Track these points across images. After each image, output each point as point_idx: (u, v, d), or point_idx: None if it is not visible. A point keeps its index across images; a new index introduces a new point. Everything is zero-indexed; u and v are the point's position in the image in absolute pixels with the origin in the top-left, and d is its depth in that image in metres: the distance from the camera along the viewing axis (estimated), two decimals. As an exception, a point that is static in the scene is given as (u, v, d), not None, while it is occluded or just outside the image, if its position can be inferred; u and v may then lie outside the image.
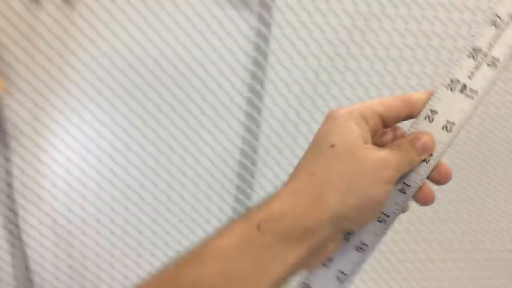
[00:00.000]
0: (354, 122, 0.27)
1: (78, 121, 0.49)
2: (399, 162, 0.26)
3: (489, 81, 0.28)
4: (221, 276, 0.22)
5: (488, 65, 0.28)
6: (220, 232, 0.23)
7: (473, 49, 0.28)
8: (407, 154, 0.27)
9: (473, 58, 0.28)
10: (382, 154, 0.26)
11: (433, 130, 0.28)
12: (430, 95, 0.29)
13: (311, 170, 0.26)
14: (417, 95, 0.29)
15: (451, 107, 0.28)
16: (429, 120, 0.29)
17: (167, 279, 0.22)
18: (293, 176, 0.27)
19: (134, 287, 0.22)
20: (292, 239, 0.24)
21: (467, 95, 0.28)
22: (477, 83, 0.28)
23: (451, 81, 0.28)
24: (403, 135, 0.29)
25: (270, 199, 0.25)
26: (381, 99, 0.28)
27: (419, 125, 0.29)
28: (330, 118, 0.28)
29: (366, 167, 0.25)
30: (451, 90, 0.28)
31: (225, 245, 0.22)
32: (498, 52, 0.28)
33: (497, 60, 0.28)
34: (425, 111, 0.29)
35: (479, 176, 0.65)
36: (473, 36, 0.28)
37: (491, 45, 0.28)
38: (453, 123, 0.28)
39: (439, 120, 0.29)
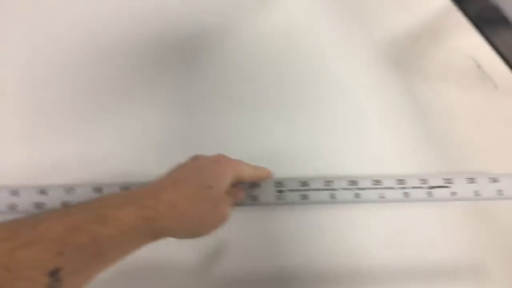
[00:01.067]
0: (231, 177, 0.37)
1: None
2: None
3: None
4: (111, 239, 0.30)
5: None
6: (120, 205, 0.31)
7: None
8: (232, 200, 0.39)
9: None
10: (228, 211, 0.37)
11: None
12: (268, 177, 0.43)
13: (187, 195, 0.34)
14: (264, 174, 0.42)
15: (267, 191, 0.43)
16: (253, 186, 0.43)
17: (73, 226, 0.29)
18: (174, 185, 0.35)
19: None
20: (154, 235, 0.33)
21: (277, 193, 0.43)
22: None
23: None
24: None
25: (157, 196, 0.33)
26: (250, 169, 0.40)
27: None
28: (220, 163, 0.38)
29: (217, 217, 0.36)
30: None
31: (121, 219, 0.30)
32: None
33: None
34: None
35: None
36: None
37: None
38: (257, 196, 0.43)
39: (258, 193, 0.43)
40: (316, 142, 0.48)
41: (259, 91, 0.51)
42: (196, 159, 0.39)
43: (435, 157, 0.47)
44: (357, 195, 0.43)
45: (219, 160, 0.38)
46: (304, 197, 0.43)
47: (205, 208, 0.35)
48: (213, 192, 0.35)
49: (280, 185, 0.43)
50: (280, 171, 0.44)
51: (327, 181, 0.43)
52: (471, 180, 0.44)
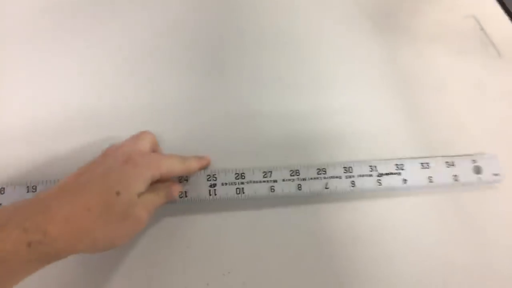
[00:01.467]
0: (147, 178, 0.32)
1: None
2: (155, 206, 0.34)
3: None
4: None
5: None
6: None
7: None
8: (161, 196, 0.35)
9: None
10: (143, 216, 0.32)
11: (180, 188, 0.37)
12: (203, 167, 0.39)
13: (88, 206, 0.29)
14: (194, 167, 0.37)
15: (197, 185, 0.38)
16: (181, 180, 0.38)
17: None
18: (72, 194, 0.29)
19: None
20: (45, 260, 0.27)
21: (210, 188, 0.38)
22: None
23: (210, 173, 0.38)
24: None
25: (47, 211, 0.27)
26: (175, 163, 0.35)
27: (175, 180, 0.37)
28: (134, 162, 0.32)
29: (128, 226, 0.31)
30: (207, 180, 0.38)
31: None
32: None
33: None
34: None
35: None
36: None
37: None
38: (185, 192, 0.37)
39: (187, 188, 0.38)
40: (272, 109, 0.42)
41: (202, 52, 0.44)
42: (105, 158, 0.33)
43: (414, 141, 0.39)
44: (299, 187, 0.38)
45: (133, 159, 0.32)
46: (240, 191, 0.38)
47: (112, 219, 0.29)
48: (122, 199, 0.30)
49: (212, 179, 0.38)
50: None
51: (265, 172, 0.39)
52: (425, 165, 0.40)
